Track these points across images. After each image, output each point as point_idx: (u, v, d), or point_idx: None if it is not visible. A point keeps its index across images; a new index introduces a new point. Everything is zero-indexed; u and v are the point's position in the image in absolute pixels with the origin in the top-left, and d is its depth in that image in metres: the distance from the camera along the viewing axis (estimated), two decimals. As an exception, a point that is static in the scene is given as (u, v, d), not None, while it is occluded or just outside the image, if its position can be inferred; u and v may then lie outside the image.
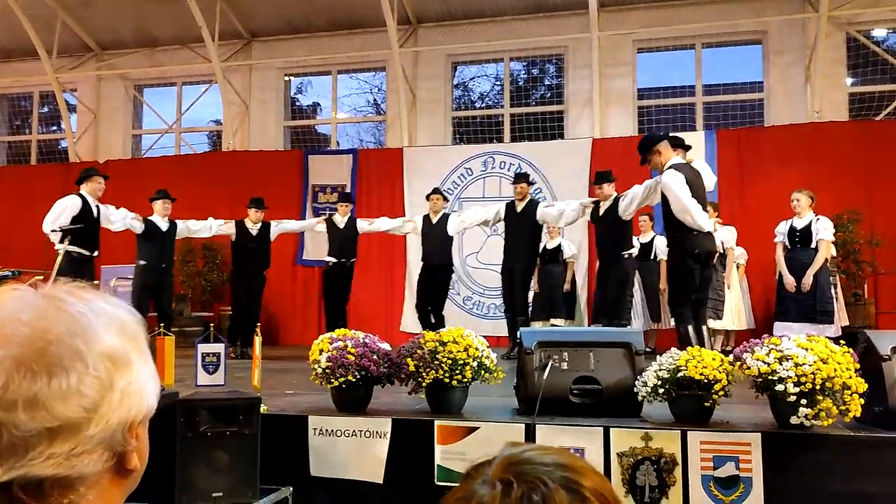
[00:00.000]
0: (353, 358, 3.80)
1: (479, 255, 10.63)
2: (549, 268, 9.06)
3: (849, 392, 3.20)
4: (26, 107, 14.19)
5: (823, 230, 7.22)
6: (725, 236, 8.32)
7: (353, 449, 3.72)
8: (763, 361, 3.31)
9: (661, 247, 8.89)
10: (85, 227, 6.88)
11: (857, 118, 10.47)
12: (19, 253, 10.78)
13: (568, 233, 9.77)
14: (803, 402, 3.20)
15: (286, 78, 13.05)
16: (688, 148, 6.26)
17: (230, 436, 3.31)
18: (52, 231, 6.75)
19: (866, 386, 3.24)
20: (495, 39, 11.59)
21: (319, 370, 3.89)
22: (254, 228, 8.66)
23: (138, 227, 8.05)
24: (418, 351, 3.77)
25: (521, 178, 8.17)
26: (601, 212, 7.29)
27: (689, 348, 3.69)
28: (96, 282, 7.54)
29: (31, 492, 0.73)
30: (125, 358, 0.78)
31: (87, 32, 12.95)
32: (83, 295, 0.79)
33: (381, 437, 3.70)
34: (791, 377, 3.20)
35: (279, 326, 11.30)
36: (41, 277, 6.82)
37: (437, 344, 3.75)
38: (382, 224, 8.89)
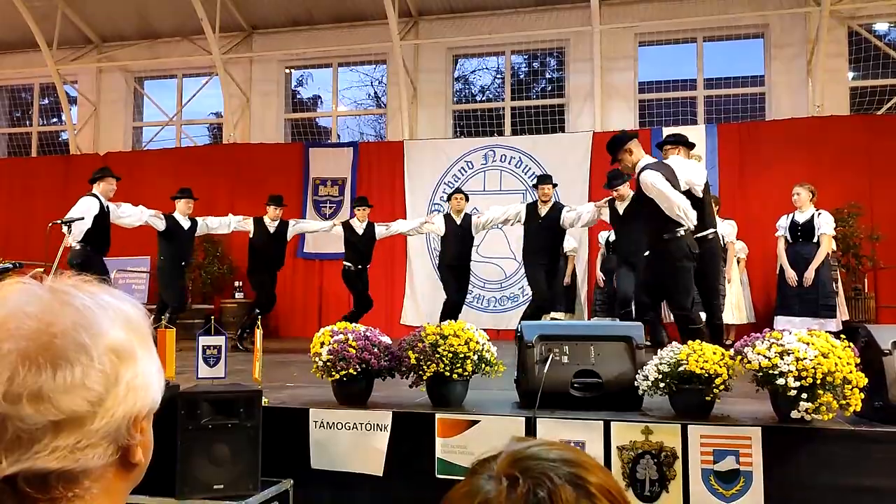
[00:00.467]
0: (354, 351, 3.81)
1: (480, 249, 10.62)
2: (550, 262, 9.06)
3: (849, 386, 3.20)
4: (27, 98, 14.18)
5: (825, 224, 7.22)
6: (726, 230, 8.30)
7: (354, 442, 3.73)
8: (764, 356, 3.31)
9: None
10: (93, 225, 7.12)
11: (859, 112, 10.45)
12: (20, 245, 10.78)
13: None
14: (804, 396, 3.20)
15: (287, 70, 13.02)
16: (691, 146, 6.15)
17: (231, 428, 3.32)
18: (67, 228, 6.98)
19: (867, 380, 3.24)
20: (496, 32, 11.56)
21: (320, 363, 3.89)
22: (271, 226, 8.67)
23: (160, 224, 8.25)
24: (419, 344, 3.78)
25: (544, 179, 8.08)
26: (621, 211, 7.24)
27: (690, 342, 3.69)
28: (105, 277, 7.61)
29: (36, 485, 0.73)
30: (130, 352, 0.78)
31: (88, 24, 12.92)
32: (89, 288, 0.79)
33: (381, 429, 3.71)
34: (792, 371, 3.20)
35: (280, 319, 11.31)
36: (42, 269, 6.82)
37: (438, 337, 3.75)
38: (400, 227, 8.85)
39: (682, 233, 5.14)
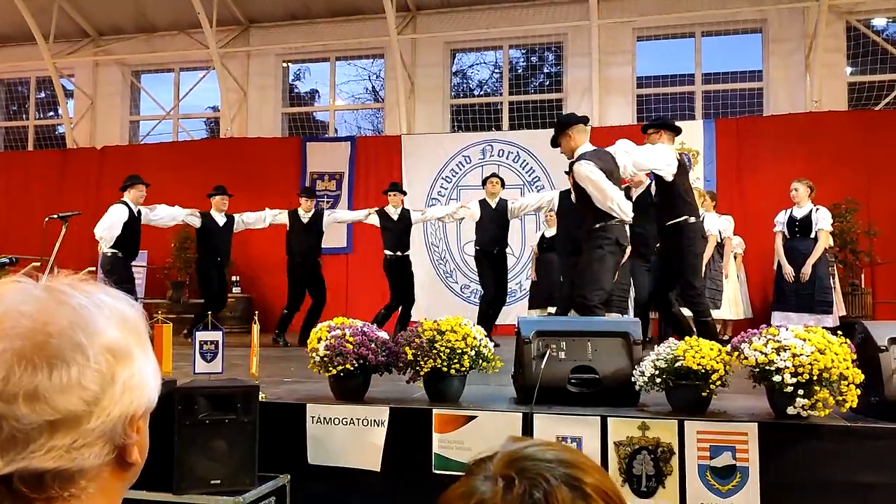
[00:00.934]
0: (351, 346, 3.81)
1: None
2: (548, 256, 9.04)
3: (846, 382, 3.21)
4: (23, 92, 14.13)
5: (823, 220, 7.24)
6: (723, 225, 8.32)
7: (351, 437, 3.73)
8: (761, 352, 3.31)
9: None
10: (122, 231, 7.53)
11: (857, 108, 10.46)
12: (17, 239, 10.75)
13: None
14: (800, 392, 3.21)
15: (284, 64, 13.00)
16: (676, 130, 6.00)
17: (228, 423, 3.31)
18: (100, 238, 7.55)
19: (863, 376, 3.25)
20: (494, 27, 11.55)
21: (317, 358, 3.89)
22: (305, 217, 8.63)
23: (196, 222, 8.44)
24: (416, 340, 3.77)
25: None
26: (633, 198, 7.23)
27: (687, 338, 3.69)
28: (130, 286, 7.87)
29: (32, 485, 0.73)
30: (127, 351, 0.78)
31: (85, 17, 12.87)
32: (85, 287, 0.79)
33: (378, 425, 3.71)
34: (788, 368, 3.20)
35: (276, 314, 11.28)
36: (38, 264, 6.82)
37: (436, 333, 3.75)
38: (435, 212, 8.78)
39: (613, 223, 5.10)
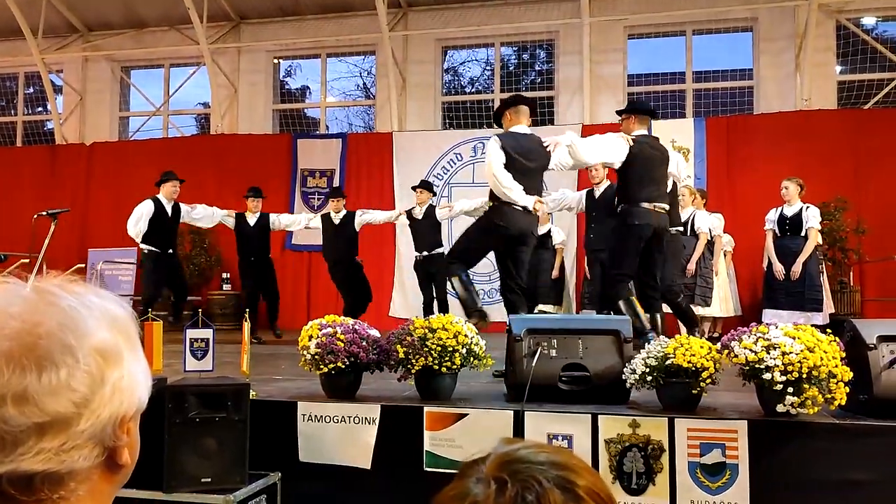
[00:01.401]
0: (342, 344, 3.80)
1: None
2: (538, 254, 9.04)
3: (834, 380, 3.23)
4: (11, 87, 14.03)
5: (812, 218, 7.28)
6: (713, 223, 8.36)
7: (342, 435, 3.72)
8: (750, 350, 3.33)
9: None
10: (150, 227, 7.78)
11: (846, 106, 10.51)
12: (5, 236, 10.69)
13: (557, 219, 9.79)
14: (790, 390, 3.23)
15: (275, 61, 12.95)
16: (648, 113, 5.76)
17: (219, 422, 3.30)
18: (132, 235, 7.88)
19: (852, 374, 3.27)
20: (485, 24, 11.54)
21: (308, 356, 3.88)
22: (336, 218, 8.63)
23: (231, 223, 8.62)
24: (408, 338, 3.77)
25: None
26: (597, 195, 7.27)
27: (678, 336, 3.70)
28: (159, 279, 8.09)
29: (21, 487, 0.72)
30: (116, 352, 0.77)
31: (73, 12, 12.78)
32: (74, 288, 0.78)
33: (369, 423, 3.71)
34: (778, 366, 3.22)
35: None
36: (27, 261, 6.78)
37: (427, 331, 3.75)
38: (464, 205, 8.56)
39: (498, 204, 5.08)
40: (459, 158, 11.11)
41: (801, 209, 7.36)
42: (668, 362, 3.49)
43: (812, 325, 3.61)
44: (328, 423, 3.76)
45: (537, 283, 9.05)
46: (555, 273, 9.16)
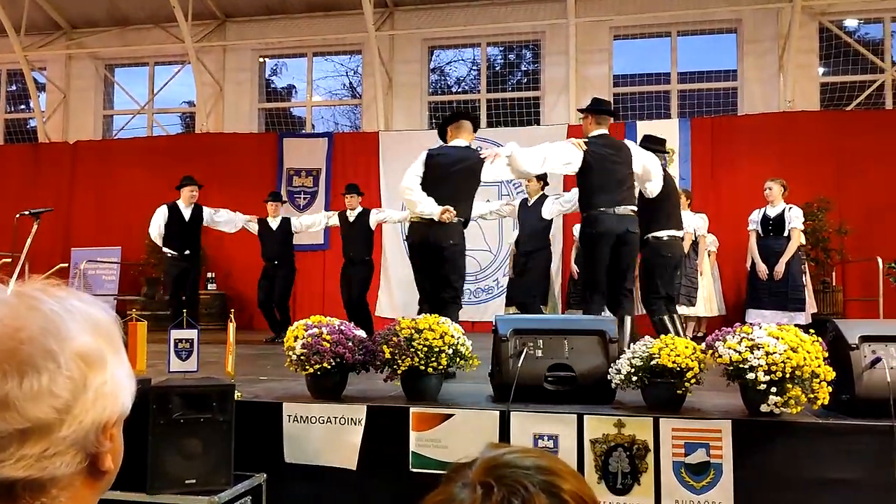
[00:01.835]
0: (328, 345, 3.79)
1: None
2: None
3: (817, 380, 3.26)
4: (-7, 85, 13.89)
5: (795, 219, 7.34)
6: (697, 224, 8.41)
7: (328, 436, 3.72)
8: (735, 350, 3.35)
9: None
10: (167, 230, 8.14)
11: (829, 108, 10.61)
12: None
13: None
14: (773, 390, 3.25)
15: (261, 59, 12.89)
16: (605, 112, 5.52)
17: (204, 423, 3.29)
18: (155, 238, 8.29)
19: (834, 374, 3.30)
20: (472, 24, 11.55)
21: (294, 357, 3.87)
22: (352, 216, 8.63)
23: (254, 228, 8.77)
24: (394, 338, 3.77)
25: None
26: (530, 202, 7.36)
27: (662, 337, 3.72)
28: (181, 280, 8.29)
29: (2, 494, 0.71)
30: (99, 357, 0.76)
31: (57, 10, 12.66)
32: (56, 293, 0.78)
33: (355, 423, 3.70)
34: (762, 365, 3.24)
35: (253, 311, 11.22)
36: (9, 260, 6.71)
37: (413, 331, 3.75)
38: (480, 209, 8.60)
39: (410, 218, 5.30)
40: (446, 158, 11.10)
41: (783, 210, 7.42)
42: (653, 362, 3.51)
43: (795, 325, 3.64)
44: (314, 423, 3.75)
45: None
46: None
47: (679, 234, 6.06)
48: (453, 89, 12.62)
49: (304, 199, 11.48)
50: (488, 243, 10.45)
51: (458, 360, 3.81)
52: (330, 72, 12.90)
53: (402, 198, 5.21)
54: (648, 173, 5.52)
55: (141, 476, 3.16)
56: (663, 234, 5.81)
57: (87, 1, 12.41)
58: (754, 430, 3.34)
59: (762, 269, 7.33)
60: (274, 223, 8.73)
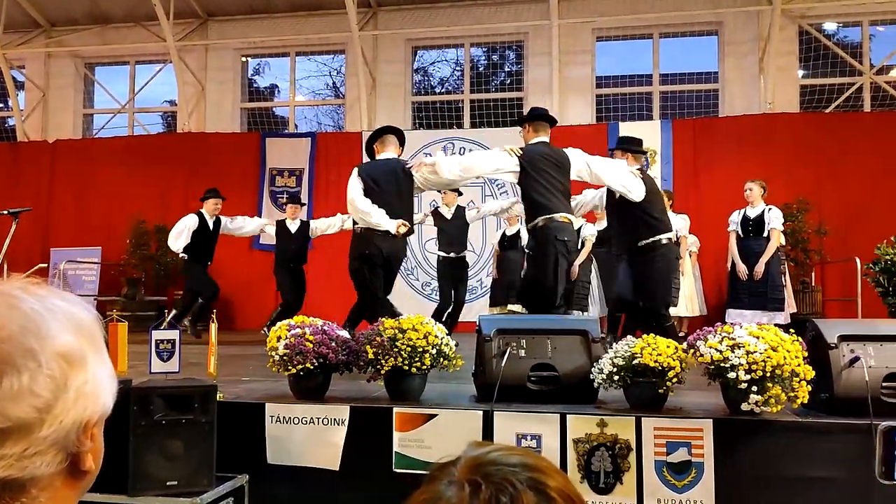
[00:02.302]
0: (311, 345, 3.77)
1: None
2: (508, 254, 9.08)
3: (797, 379, 3.29)
4: (-29, 83, 13.71)
5: (775, 220, 7.40)
6: (679, 224, 8.45)
7: (311, 436, 3.70)
8: (716, 349, 3.37)
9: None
10: (192, 239, 8.27)
11: (808, 110, 10.72)
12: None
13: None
14: (754, 389, 3.28)
15: (243, 59, 12.83)
16: (542, 119, 5.47)
17: (185, 424, 3.26)
18: (170, 245, 8.44)
19: (814, 373, 3.33)
20: (456, 24, 11.56)
21: (277, 357, 3.85)
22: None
23: (271, 231, 8.90)
24: (377, 338, 3.76)
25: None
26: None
27: (644, 336, 3.74)
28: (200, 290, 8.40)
29: (-18, 494, 0.70)
30: (80, 357, 0.75)
31: (36, 7, 12.53)
32: (37, 291, 0.77)
33: (338, 424, 3.69)
34: (742, 365, 3.27)
35: (235, 311, 11.17)
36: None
37: (397, 331, 3.74)
38: (491, 207, 8.53)
39: (360, 230, 5.42)
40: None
41: (763, 210, 7.48)
42: (636, 362, 3.52)
43: (775, 325, 3.67)
44: (296, 424, 3.73)
45: (508, 283, 9.07)
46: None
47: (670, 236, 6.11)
48: (437, 90, 12.63)
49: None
50: (471, 244, 10.46)
51: (441, 360, 3.81)
52: (313, 71, 12.88)
53: (355, 214, 5.33)
54: (599, 179, 5.46)
55: (122, 478, 3.13)
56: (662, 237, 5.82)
57: (67, -1, 12.29)
58: (735, 429, 3.37)
59: (742, 269, 7.39)
60: (293, 226, 8.77)
